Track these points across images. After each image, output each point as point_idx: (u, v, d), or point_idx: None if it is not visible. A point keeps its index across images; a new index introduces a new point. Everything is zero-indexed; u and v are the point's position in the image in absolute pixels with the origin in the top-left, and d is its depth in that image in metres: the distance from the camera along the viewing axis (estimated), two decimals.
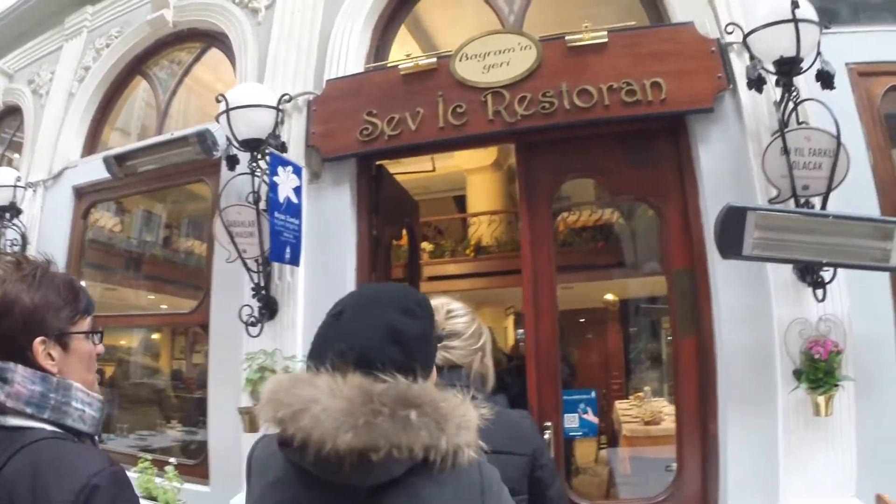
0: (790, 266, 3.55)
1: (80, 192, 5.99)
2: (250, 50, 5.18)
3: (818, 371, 3.34)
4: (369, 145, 4.46)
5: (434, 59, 4.46)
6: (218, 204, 4.29)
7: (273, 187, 4.15)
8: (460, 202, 12.88)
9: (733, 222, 3.30)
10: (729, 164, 3.85)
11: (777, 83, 3.61)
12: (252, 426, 4.15)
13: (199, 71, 5.96)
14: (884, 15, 4.54)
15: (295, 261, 4.28)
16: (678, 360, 4.01)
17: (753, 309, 3.65)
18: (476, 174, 11.88)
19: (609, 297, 10.88)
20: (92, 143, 6.16)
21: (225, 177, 4.73)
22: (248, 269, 4.34)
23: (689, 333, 3.93)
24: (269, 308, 4.39)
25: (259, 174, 4.36)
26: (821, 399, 3.33)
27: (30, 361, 1.54)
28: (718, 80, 3.89)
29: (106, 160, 5.32)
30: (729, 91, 3.91)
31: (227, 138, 4.36)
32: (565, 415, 4.15)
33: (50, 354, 1.58)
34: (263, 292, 4.39)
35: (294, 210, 4.29)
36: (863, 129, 3.87)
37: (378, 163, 4.78)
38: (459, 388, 1.47)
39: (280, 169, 4.22)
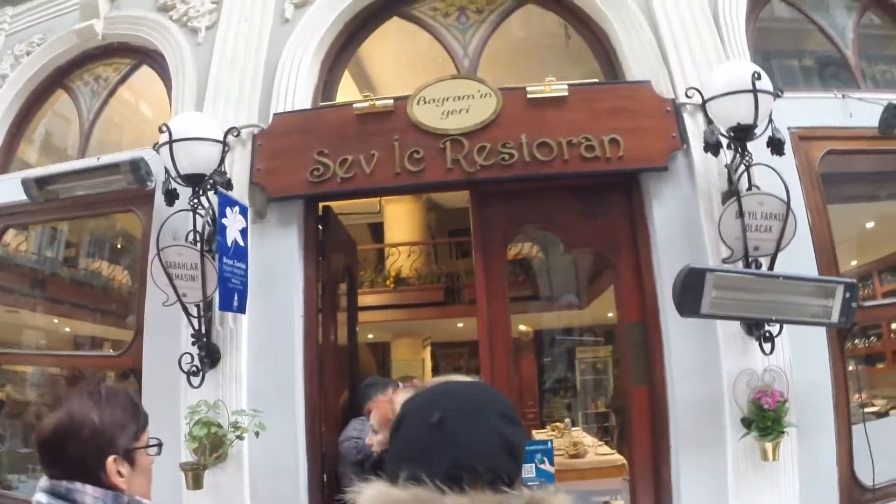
0: (738, 322, 3.67)
1: None
2: (188, 72, 4.78)
3: (766, 419, 3.48)
4: (320, 187, 4.20)
5: (391, 101, 4.24)
6: (156, 242, 3.86)
7: (221, 230, 3.83)
8: (374, 229, 12.59)
9: (693, 282, 3.36)
10: (680, 221, 3.93)
11: (729, 146, 3.72)
12: (196, 483, 3.80)
13: (127, 90, 5.46)
14: (817, 81, 4.88)
15: (242, 308, 3.96)
16: (631, 408, 4.07)
17: (703, 361, 3.76)
18: (393, 203, 11.62)
19: (522, 328, 10.84)
20: (5, 160, 5.56)
21: (160, 210, 4.38)
22: (189, 315, 3.97)
23: (642, 383, 3.99)
24: (210, 356, 4.05)
25: (202, 212, 3.97)
26: (769, 445, 3.49)
27: (100, 481, 1.52)
28: (673, 139, 3.95)
29: (25, 183, 4.79)
30: (682, 150, 3.97)
31: (167, 171, 4.01)
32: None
33: (119, 472, 1.56)
34: (204, 339, 4.00)
35: (241, 253, 3.97)
36: (802, 191, 3.98)
37: (324, 204, 4.44)
38: None
39: (227, 209, 3.87)
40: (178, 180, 3.96)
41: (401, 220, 11.35)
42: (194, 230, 4.00)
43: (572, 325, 10.80)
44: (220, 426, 3.82)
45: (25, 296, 6.47)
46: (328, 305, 4.36)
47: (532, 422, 10.37)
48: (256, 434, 3.76)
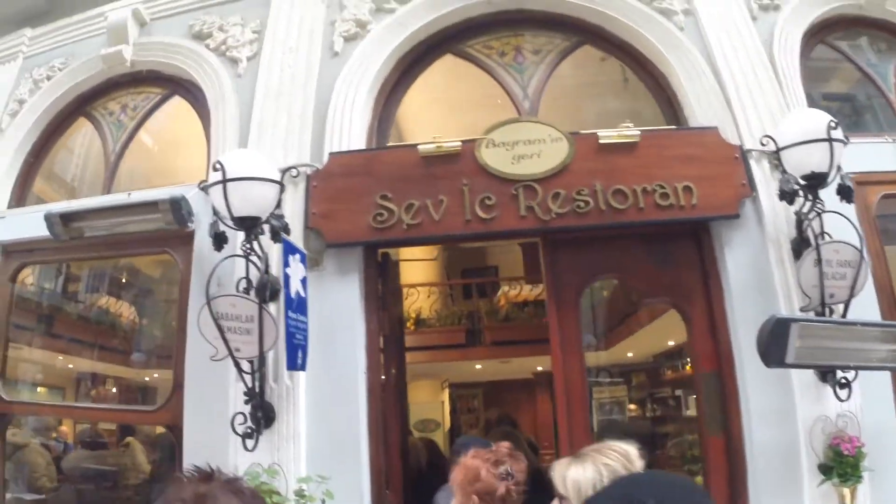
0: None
1: (7, 251, 4.90)
2: (229, 106, 4.41)
3: (846, 465, 3.40)
4: (384, 233, 3.86)
5: (458, 143, 3.94)
6: (205, 291, 3.43)
7: (286, 280, 3.43)
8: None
9: (779, 332, 3.21)
10: (751, 268, 3.81)
11: (798, 194, 3.62)
12: None
13: (158, 121, 4.99)
14: (863, 125, 4.75)
15: (304, 365, 3.58)
16: (707, 457, 3.93)
17: (779, 408, 3.63)
18: None
19: (540, 368, 10.50)
20: (21, 192, 5.10)
21: (201, 254, 4.04)
22: (241, 371, 3.55)
23: (718, 432, 3.84)
24: (265, 416, 3.60)
25: (255, 258, 3.55)
26: (846, 491, 3.41)
27: None
28: (742, 186, 3.83)
29: (49, 219, 4.33)
30: (750, 198, 3.84)
31: (215, 212, 3.60)
32: None
33: None
34: (259, 398, 3.57)
35: (303, 306, 3.60)
36: (862, 236, 3.74)
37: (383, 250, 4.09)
38: None
39: (290, 258, 3.47)
40: (229, 223, 3.54)
41: (416, 258, 10.94)
42: (247, 278, 3.60)
43: (590, 366, 10.53)
44: (279, 494, 3.40)
45: (29, 331, 5.93)
46: (388, 358, 3.94)
47: (549, 463, 10.00)
48: (323, 503, 3.32)
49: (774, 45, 4.24)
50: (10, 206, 5.05)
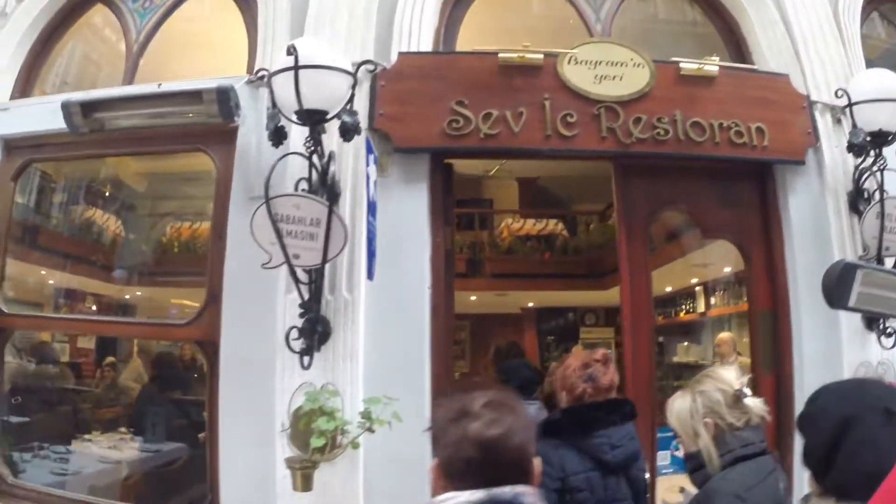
0: (859, 316, 3.57)
1: (10, 146, 4.25)
2: None
3: None
4: (458, 141, 3.44)
5: (541, 56, 3.56)
6: (265, 189, 2.92)
7: (367, 181, 2.93)
8: None
9: (846, 277, 3.07)
10: (810, 216, 3.78)
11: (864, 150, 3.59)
12: (306, 484, 2.99)
13: (187, 12, 4.36)
14: None
15: (372, 275, 3.07)
16: (757, 394, 3.60)
17: (828, 351, 3.61)
18: None
19: (531, 304, 10.18)
20: (26, 83, 4.45)
21: (245, 152, 3.56)
22: (297, 281, 3.06)
23: (769, 370, 3.80)
24: (322, 332, 3.12)
25: (318, 157, 3.06)
26: None
27: (530, 480, 1.41)
28: (808, 135, 3.79)
29: (67, 107, 3.74)
30: (813, 147, 3.81)
31: (274, 104, 3.12)
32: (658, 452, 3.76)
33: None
34: (315, 312, 3.10)
35: (374, 212, 3.09)
36: None
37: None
38: None
39: (369, 157, 3.02)
40: (292, 117, 3.04)
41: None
42: (309, 179, 3.11)
43: (579, 305, 10.27)
44: (332, 416, 2.99)
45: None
46: (450, 276, 3.51)
47: None
48: (389, 424, 2.90)
49: (839, 5, 4.16)
50: (13, 98, 4.38)
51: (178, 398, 5.77)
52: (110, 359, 6.92)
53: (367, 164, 3.04)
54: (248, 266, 3.34)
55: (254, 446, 3.32)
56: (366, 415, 2.95)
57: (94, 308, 6.72)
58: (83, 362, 7.34)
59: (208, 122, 3.59)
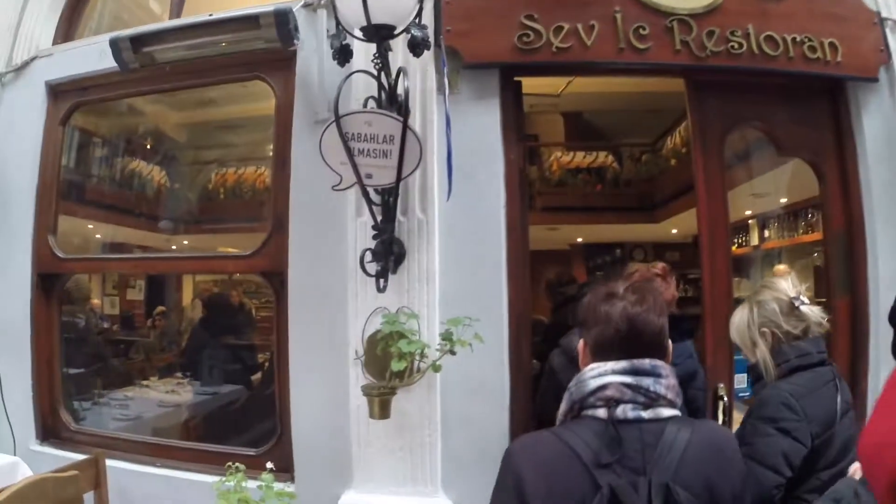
0: None
1: (56, 91, 4.12)
2: None
3: None
4: (529, 56, 3.22)
5: None
6: (334, 107, 2.74)
7: (445, 94, 2.77)
8: None
9: None
10: (883, 135, 3.56)
11: None
12: (384, 411, 2.86)
13: None
14: None
15: (450, 191, 2.91)
16: (833, 319, 3.49)
17: None
18: None
19: (580, 239, 9.96)
20: (68, 28, 4.28)
21: (305, 75, 3.40)
22: (370, 202, 2.89)
23: (844, 294, 3.61)
24: (397, 254, 2.97)
25: (385, 74, 2.89)
26: None
27: (665, 357, 1.59)
28: (881, 52, 3.56)
29: (116, 43, 3.59)
30: (885, 66, 3.55)
31: (338, 22, 2.91)
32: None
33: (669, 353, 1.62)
34: (389, 233, 2.95)
35: (450, 126, 2.91)
36: None
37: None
38: None
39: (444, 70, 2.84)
40: (357, 34, 2.85)
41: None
42: (377, 97, 2.92)
43: (627, 241, 10.03)
44: (417, 338, 2.88)
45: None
46: (524, 194, 3.33)
47: None
48: (471, 346, 2.75)
49: None
50: (55, 43, 4.21)
51: (231, 343, 5.69)
52: (160, 308, 6.88)
53: (444, 72, 2.84)
54: (314, 192, 3.22)
55: (325, 377, 3.23)
56: (447, 336, 2.81)
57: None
58: (135, 314, 7.31)
59: (266, 47, 3.42)
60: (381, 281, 2.97)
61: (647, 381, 1.49)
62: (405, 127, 2.79)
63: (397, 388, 2.86)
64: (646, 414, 1.48)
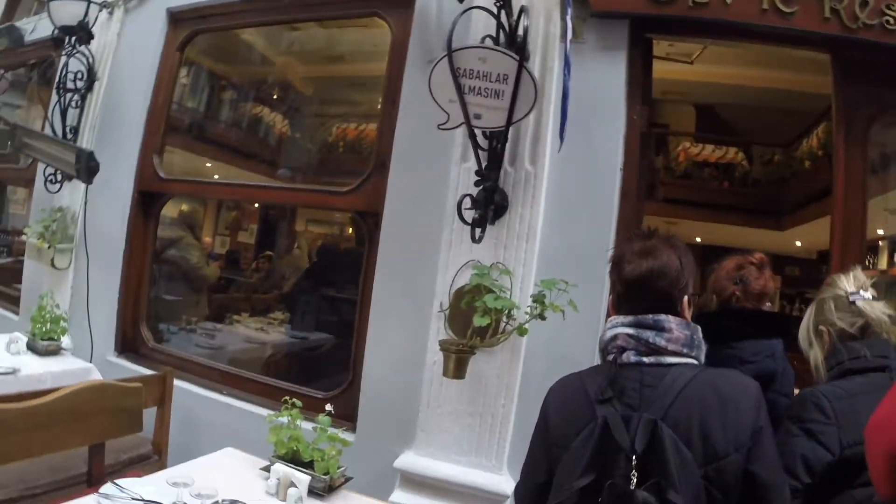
0: None
1: (176, 18, 4.07)
2: None
3: None
4: (663, 8, 2.84)
5: None
6: (447, 42, 2.46)
7: (566, 33, 2.43)
8: None
9: None
10: None
11: None
12: (459, 370, 2.60)
13: None
14: None
15: (562, 137, 2.58)
16: None
17: None
18: None
19: (698, 239, 9.27)
20: None
21: (426, 13, 3.05)
22: (477, 146, 2.60)
23: None
24: (497, 204, 2.67)
25: (506, 13, 2.59)
26: None
27: (677, 313, 1.62)
28: None
29: None
30: None
31: None
32: None
33: (687, 308, 1.66)
34: (494, 181, 2.64)
35: (569, 69, 2.57)
36: None
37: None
38: None
39: (569, 9, 2.50)
40: None
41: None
42: (498, 37, 2.65)
43: (748, 247, 9.20)
44: (508, 296, 2.59)
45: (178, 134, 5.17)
46: (644, 159, 2.96)
47: None
48: (563, 313, 2.41)
49: None
50: None
51: (331, 294, 5.56)
52: (267, 252, 6.88)
53: (567, 15, 2.50)
54: (421, 132, 2.97)
55: (406, 327, 2.99)
56: (538, 299, 2.51)
57: (255, 206, 6.67)
58: (243, 254, 7.37)
59: None
60: (478, 231, 2.69)
61: (647, 334, 1.58)
62: (521, 66, 2.49)
63: (477, 347, 2.58)
64: (647, 359, 1.57)
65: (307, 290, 5.59)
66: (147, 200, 4.07)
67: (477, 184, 2.70)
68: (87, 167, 3.96)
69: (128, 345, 4.08)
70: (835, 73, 3.02)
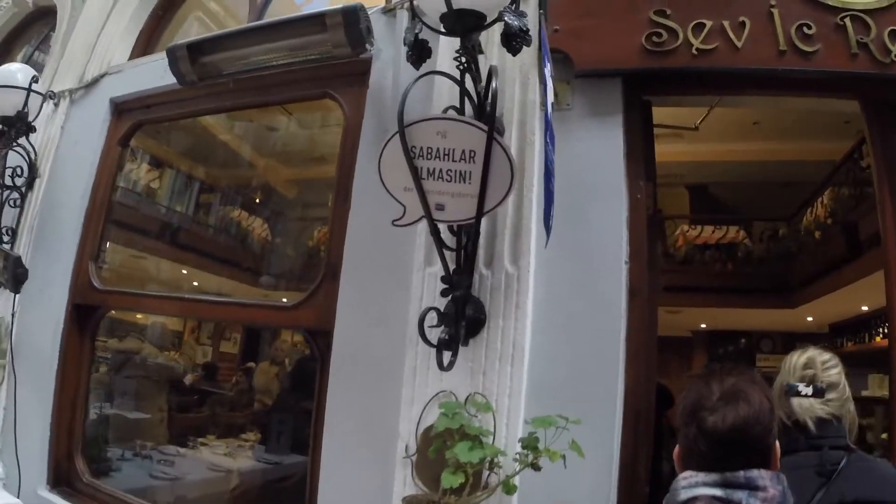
0: None
1: (120, 108, 3.49)
2: None
3: None
4: (661, 60, 2.19)
5: None
6: (398, 116, 1.79)
7: (545, 89, 1.78)
8: None
9: None
10: None
11: None
12: None
13: None
14: None
15: (548, 228, 1.87)
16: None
17: None
18: None
19: (703, 325, 8.39)
20: (147, 44, 3.58)
21: (379, 87, 2.43)
22: (441, 244, 1.89)
23: None
24: (471, 318, 1.93)
25: (473, 78, 1.92)
26: None
27: (769, 465, 1.31)
28: None
29: (172, 52, 2.87)
30: None
31: (415, 14, 1.97)
32: None
33: (778, 456, 1.35)
34: (464, 289, 1.91)
35: (552, 141, 1.90)
36: None
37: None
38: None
39: (547, 65, 1.84)
40: (436, 26, 1.91)
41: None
42: (462, 106, 1.98)
43: (756, 328, 8.26)
44: (489, 439, 1.84)
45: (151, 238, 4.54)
46: (654, 247, 2.22)
47: None
48: (563, 459, 1.68)
49: None
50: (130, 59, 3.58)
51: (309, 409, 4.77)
52: (248, 364, 6.11)
53: (545, 78, 1.85)
54: (377, 231, 2.29)
55: (365, 473, 2.22)
56: (530, 443, 1.76)
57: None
58: (221, 366, 6.58)
59: (334, 53, 2.57)
60: (447, 354, 1.94)
61: (739, 495, 1.25)
62: (491, 138, 1.80)
63: None
64: None
65: (284, 408, 4.79)
66: (82, 314, 3.36)
67: (444, 293, 1.97)
68: (13, 274, 3.33)
69: (61, 478, 3.30)
70: (868, 117, 2.38)
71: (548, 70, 1.93)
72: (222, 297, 3.49)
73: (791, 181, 6.35)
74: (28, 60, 4.59)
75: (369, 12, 2.61)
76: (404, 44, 2.03)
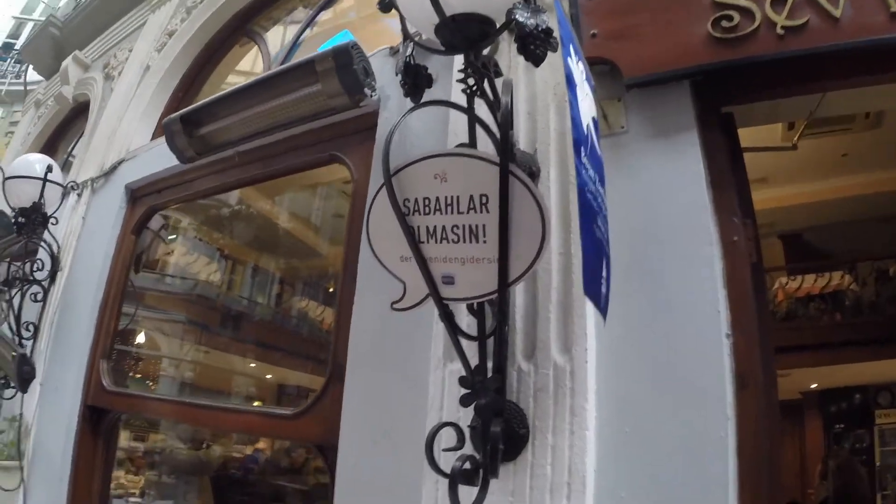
0: None
1: (135, 195, 3.06)
2: None
3: None
4: (736, 49, 1.50)
5: None
6: (383, 163, 1.16)
7: (576, 118, 1.15)
8: None
9: None
10: None
11: None
12: None
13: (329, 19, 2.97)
14: None
15: (605, 305, 1.15)
16: None
17: None
18: None
19: (814, 386, 7.18)
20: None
21: (386, 135, 1.76)
22: (455, 330, 1.22)
23: None
24: (503, 437, 1.23)
25: (488, 101, 1.31)
26: None
27: None
28: None
29: (168, 128, 2.43)
30: None
31: (406, 35, 1.37)
32: None
33: None
34: (492, 392, 1.22)
35: (597, 165, 1.20)
36: None
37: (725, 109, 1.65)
38: None
39: (572, 64, 1.17)
40: (434, 39, 1.29)
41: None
42: (473, 139, 1.32)
43: (870, 382, 6.98)
44: None
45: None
46: (763, 309, 1.46)
47: None
48: None
49: None
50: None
51: None
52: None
53: (571, 83, 1.21)
54: (385, 318, 1.63)
55: None
56: None
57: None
58: None
59: (332, 105, 2.02)
60: (474, 491, 1.24)
61: None
62: (506, 173, 1.16)
63: None
64: None
65: None
66: (95, 416, 2.84)
67: (464, 401, 1.30)
68: (19, 372, 2.93)
69: None
70: None
71: (590, 90, 1.29)
72: (216, 403, 2.94)
73: (892, 214, 5.34)
74: (69, 156, 4.40)
75: (375, 54, 2.09)
76: (395, 72, 1.45)
